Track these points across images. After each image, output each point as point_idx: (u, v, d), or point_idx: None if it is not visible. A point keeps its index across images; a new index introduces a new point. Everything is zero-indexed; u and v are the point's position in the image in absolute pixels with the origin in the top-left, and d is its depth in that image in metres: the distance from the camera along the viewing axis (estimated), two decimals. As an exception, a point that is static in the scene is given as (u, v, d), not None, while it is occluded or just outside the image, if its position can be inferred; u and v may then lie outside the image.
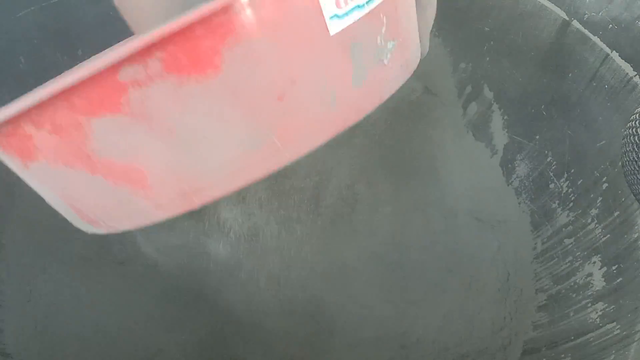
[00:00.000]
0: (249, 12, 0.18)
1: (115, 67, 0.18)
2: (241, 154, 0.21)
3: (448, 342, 0.46)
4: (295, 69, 0.20)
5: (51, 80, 0.18)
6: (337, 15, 0.20)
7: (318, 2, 0.20)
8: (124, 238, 0.49)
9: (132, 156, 0.20)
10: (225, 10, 0.18)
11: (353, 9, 0.21)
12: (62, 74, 0.18)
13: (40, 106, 0.19)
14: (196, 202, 0.22)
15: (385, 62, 0.24)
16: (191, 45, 0.18)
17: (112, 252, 0.48)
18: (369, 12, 0.21)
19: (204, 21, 0.18)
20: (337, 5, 0.20)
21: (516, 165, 0.56)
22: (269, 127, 0.21)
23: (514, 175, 0.56)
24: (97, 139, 0.20)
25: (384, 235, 0.54)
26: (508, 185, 0.57)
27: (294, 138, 0.21)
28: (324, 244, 0.53)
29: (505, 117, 0.56)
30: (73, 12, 0.49)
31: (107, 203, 0.23)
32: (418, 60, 0.28)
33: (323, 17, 0.20)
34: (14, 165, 0.23)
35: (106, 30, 0.46)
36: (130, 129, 0.19)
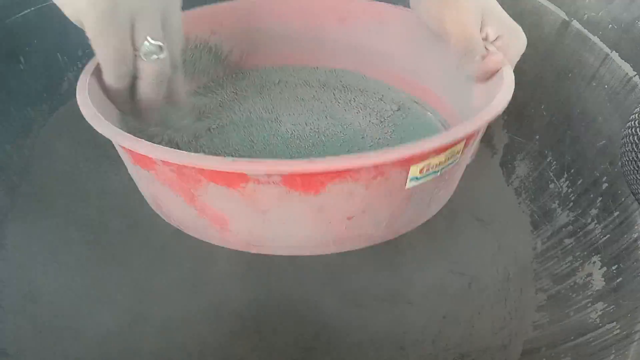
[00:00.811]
0: (362, 171, 0.24)
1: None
2: (304, 241, 0.28)
3: (448, 342, 0.46)
4: (369, 204, 0.26)
5: (193, 156, 0.24)
6: (416, 178, 0.26)
7: (409, 169, 0.25)
8: (125, 238, 0.50)
9: (226, 211, 0.27)
10: (351, 169, 0.24)
11: (430, 174, 0.27)
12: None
13: (174, 164, 0.25)
14: (253, 251, 0.30)
15: (431, 206, 0.31)
16: (310, 178, 0.24)
17: (113, 252, 0.48)
18: (439, 176, 0.27)
19: (325, 171, 0.24)
20: (420, 172, 0.26)
21: (516, 165, 0.56)
22: (332, 234, 0.28)
23: (514, 175, 0.56)
24: (207, 192, 0.26)
25: (384, 235, 0.54)
26: (508, 185, 0.57)
27: (343, 242, 0.29)
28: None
29: (505, 117, 0.56)
30: (73, 12, 0.49)
31: (186, 219, 0.29)
32: (451, 194, 0.36)
33: (407, 178, 0.26)
34: (124, 156, 0.29)
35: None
36: (236, 200, 0.25)
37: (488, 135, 0.58)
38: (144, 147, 0.24)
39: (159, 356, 0.44)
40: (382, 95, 0.44)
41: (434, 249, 0.53)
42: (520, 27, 0.35)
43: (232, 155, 0.36)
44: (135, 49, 0.29)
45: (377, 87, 0.45)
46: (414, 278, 0.51)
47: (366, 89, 0.45)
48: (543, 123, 0.52)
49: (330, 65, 0.47)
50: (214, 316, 0.47)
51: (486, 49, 0.34)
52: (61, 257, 0.46)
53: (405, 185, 0.26)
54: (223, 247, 0.51)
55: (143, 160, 0.26)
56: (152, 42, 0.29)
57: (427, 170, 0.26)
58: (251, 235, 0.29)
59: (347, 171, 0.24)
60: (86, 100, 0.28)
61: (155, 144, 0.24)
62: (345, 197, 0.26)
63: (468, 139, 0.27)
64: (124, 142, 0.25)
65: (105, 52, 0.28)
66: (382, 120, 0.41)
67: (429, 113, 0.42)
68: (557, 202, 0.50)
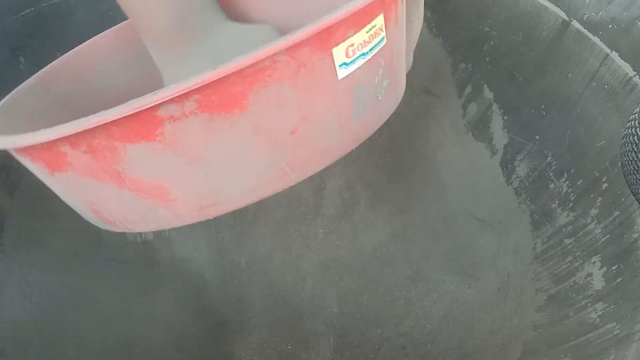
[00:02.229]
0: (278, 64, 0.21)
1: (155, 107, 0.20)
2: (255, 177, 0.24)
3: (448, 342, 0.46)
4: (307, 108, 0.24)
5: (94, 115, 0.21)
6: (345, 64, 0.24)
7: (331, 52, 0.23)
8: (124, 238, 0.50)
9: (160, 176, 0.23)
10: (259, 63, 0.21)
11: (358, 56, 0.24)
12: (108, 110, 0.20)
13: (80, 133, 0.21)
14: (211, 214, 0.25)
15: (380, 98, 0.28)
16: (224, 90, 0.21)
17: (112, 252, 0.48)
18: (370, 58, 0.25)
19: (239, 71, 0.21)
20: (347, 55, 0.23)
21: (516, 165, 0.56)
22: (281, 156, 0.24)
23: (514, 175, 0.56)
24: (129, 160, 0.22)
25: (384, 235, 0.54)
26: (508, 185, 0.57)
27: (300, 165, 0.25)
28: (323, 244, 0.53)
29: (505, 117, 0.56)
30: (73, 13, 0.49)
31: (128, 210, 0.25)
32: (404, 88, 0.32)
33: (334, 64, 0.23)
34: (40, 172, 0.25)
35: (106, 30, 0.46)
36: (161, 154, 0.22)
37: (488, 135, 0.58)
38: (42, 134, 0.21)
39: (159, 354, 0.44)
40: None
41: (434, 249, 0.53)
42: None
43: None
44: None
45: None
46: (415, 277, 0.51)
47: None
48: (543, 123, 0.52)
49: None
50: (212, 312, 0.47)
51: None
52: (61, 258, 0.46)
53: (336, 74, 0.23)
54: (222, 245, 0.51)
55: (56, 160, 0.23)
56: None
57: (354, 52, 0.23)
58: (199, 195, 0.24)
59: (261, 70, 0.21)
60: None
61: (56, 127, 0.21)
62: (276, 106, 0.22)
63: (386, 10, 0.25)
64: (22, 142, 0.22)
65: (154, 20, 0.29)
66: None
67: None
68: (557, 202, 0.50)
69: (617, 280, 0.42)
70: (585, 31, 0.46)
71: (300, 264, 0.51)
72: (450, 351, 0.46)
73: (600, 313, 0.41)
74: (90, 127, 0.20)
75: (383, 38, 0.25)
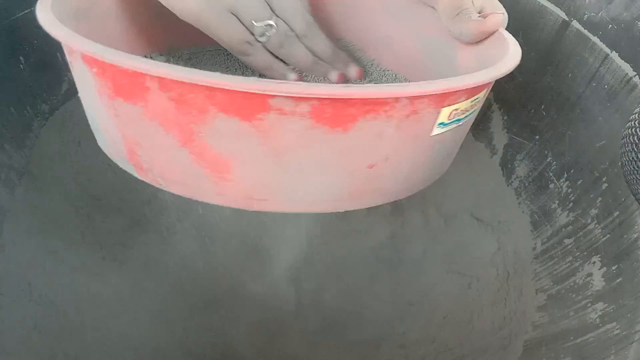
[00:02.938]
0: (397, 104, 0.22)
1: (270, 95, 0.20)
2: (315, 193, 0.25)
3: (448, 342, 0.46)
4: (394, 150, 0.25)
5: (203, 73, 0.20)
6: (443, 123, 0.25)
7: (440, 110, 0.24)
8: (124, 238, 0.50)
9: (232, 154, 0.23)
10: (387, 100, 0.22)
11: (454, 121, 0.26)
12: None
13: (179, 87, 0.20)
14: (254, 207, 0.25)
15: (445, 159, 0.30)
16: (342, 107, 0.21)
17: (113, 252, 0.48)
18: (460, 125, 0.27)
19: (363, 100, 0.22)
20: (449, 117, 0.25)
21: (516, 165, 0.56)
22: (349, 186, 0.25)
23: (514, 175, 0.56)
24: (212, 127, 0.22)
25: (383, 235, 0.54)
26: (508, 185, 0.57)
27: (357, 197, 0.26)
28: (323, 243, 0.53)
29: (505, 117, 0.56)
30: (73, 12, 0.49)
31: (174, 168, 0.24)
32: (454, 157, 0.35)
33: (435, 121, 0.25)
34: (95, 86, 0.23)
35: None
36: (248, 137, 0.22)
37: (488, 135, 0.58)
38: (136, 61, 0.20)
39: (160, 354, 0.44)
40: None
41: (434, 249, 0.53)
42: (501, 5, 0.35)
43: None
44: (251, 33, 0.33)
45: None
46: (414, 278, 0.51)
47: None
48: (543, 123, 0.52)
49: None
50: (213, 313, 0.47)
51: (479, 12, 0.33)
52: (61, 257, 0.46)
53: (432, 130, 0.25)
54: (222, 245, 0.51)
55: (131, 89, 0.22)
56: (258, 24, 0.33)
57: (454, 116, 0.26)
58: (256, 186, 0.24)
59: (383, 102, 0.22)
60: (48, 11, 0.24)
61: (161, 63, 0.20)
62: (374, 138, 0.24)
63: (488, 87, 0.27)
64: (107, 55, 0.20)
65: (225, 40, 0.33)
66: None
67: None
68: (557, 202, 0.50)
69: (617, 280, 0.42)
70: (585, 31, 0.46)
71: (300, 264, 0.51)
72: (450, 351, 0.46)
73: (600, 313, 0.41)
74: (196, 82, 0.20)
75: (475, 110, 0.28)
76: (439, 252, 0.53)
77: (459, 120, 0.26)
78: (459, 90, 0.24)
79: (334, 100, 0.21)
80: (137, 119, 0.23)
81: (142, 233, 0.50)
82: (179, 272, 0.48)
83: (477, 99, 0.27)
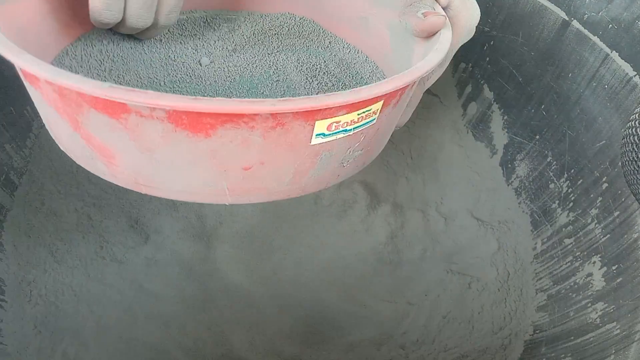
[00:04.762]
0: (257, 117, 0.22)
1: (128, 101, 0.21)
2: (195, 185, 0.26)
3: (448, 342, 0.46)
4: (269, 156, 0.24)
5: (75, 77, 0.21)
6: (323, 134, 0.24)
7: (314, 123, 0.23)
8: (124, 237, 0.50)
9: (111, 145, 0.24)
10: (241, 114, 0.22)
11: (340, 131, 0.25)
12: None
13: (55, 82, 0.22)
14: (144, 191, 0.27)
15: (345, 165, 0.28)
16: (197, 117, 0.22)
17: (112, 251, 0.48)
18: (351, 134, 0.25)
19: (215, 113, 0.21)
20: (328, 128, 0.24)
21: (516, 165, 0.56)
22: (226, 181, 0.25)
23: (514, 175, 0.56)
24: (89, 119, 0.23)
25: (384, 235, 0.54)
26: (508, 185, 0.57)
27: (241, 193, 0.26)
28: (324, 244, 0.53)
29: (505, 117, 0.56)
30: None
31: (74, 147, 0.27)
32: (376, 156, 0.32)
33: (312, 133, 0.24)
34: (26, 83, 0.27)
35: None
36: (119, 131, 0.23)
37: (488, 135, 0.58)
38: (28, 61, 0.22)
39: (160, 354, 0.44)
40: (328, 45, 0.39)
41: (434, 249, 0.53)
42: (475, 1, 0.34)
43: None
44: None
45: (324, 37, 0.40)
46: (414, 277, 0.51)
47: (310, 36, 0.40)
48: (543, 123, 0.52)
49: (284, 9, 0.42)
50: (213, 311, 0.47)
51: (433, 9, 0.32)
52: (61, 257, 0.46)
53: (310, 141, 0.24)
54: (221, 245, 0.51)
55: (29, 77, 0.24)
56: None
57: (336, 127, 0.24)
58: (139, 175, 0.26)
59: (239, 116, 0.22)
60: None
61: (41, 61, 0.22)
62: (240, 146, 0.23)
63: (387, 98, 0.25)
64: (7, 54, 0.22)
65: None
66: (318, 73, 0.36)
67: (371, 69, 0.38)
68: (557, 202, 0.50)
69: (617, 280, 0.42)
70: (585, 31, 0.46)
71: (299, 264, 0.51)
72: (450, 351, 0.46)
73: (600, 313, 0.42)
74: (64, 85, 0.21)
75: (374, 119, 0.26)
76: (439, 252, 0.53)
77: (346, 130, 0.25)
78: (330, 108, 0.23)
79: (185, 113, 0.21)
80: (40, 102, 0.26)
81: (142, 233, 0.50)
82: (179, 272, 0.48)
83: (368, 110, 0.25)
